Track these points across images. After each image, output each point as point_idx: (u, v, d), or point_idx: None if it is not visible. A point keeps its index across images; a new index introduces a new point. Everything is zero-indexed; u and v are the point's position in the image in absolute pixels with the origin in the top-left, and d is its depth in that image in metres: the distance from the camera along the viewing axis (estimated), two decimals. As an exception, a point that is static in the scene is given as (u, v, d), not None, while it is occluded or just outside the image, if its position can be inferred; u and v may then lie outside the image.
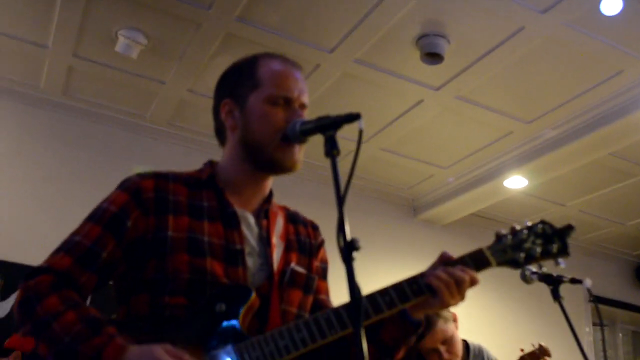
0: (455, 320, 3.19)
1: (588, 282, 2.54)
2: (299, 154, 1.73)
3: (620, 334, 7.76)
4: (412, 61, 4.31)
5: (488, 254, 1.63)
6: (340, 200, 1.38)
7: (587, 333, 7.06)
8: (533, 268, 2.73)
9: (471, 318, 5.63)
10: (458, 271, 1.57)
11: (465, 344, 3.34)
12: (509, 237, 1.65)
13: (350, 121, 1.50)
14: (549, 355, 3.30)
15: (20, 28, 4.34)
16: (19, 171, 4.96)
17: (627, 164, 5.51)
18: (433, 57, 4.10)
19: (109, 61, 4.61)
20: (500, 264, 1.63)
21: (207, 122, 5.84)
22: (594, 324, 7.19)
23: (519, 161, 5.38)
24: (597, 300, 6.81)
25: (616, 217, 6.70)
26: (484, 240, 1.67)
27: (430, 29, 4.00)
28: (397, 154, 5.68)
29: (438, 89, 4.66)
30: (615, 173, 5.68)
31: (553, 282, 2.61)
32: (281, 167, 1.72)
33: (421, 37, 4.06)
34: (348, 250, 1.32)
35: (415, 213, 6.58)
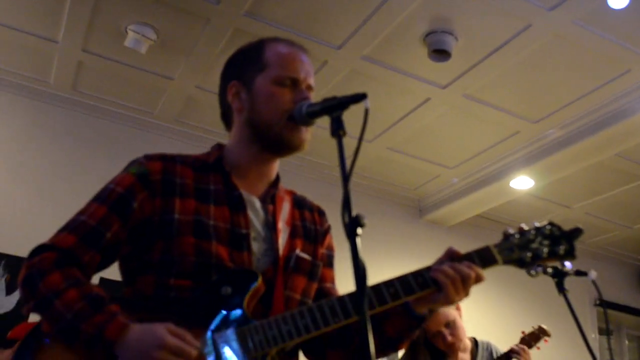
0: (458, 309, 3.25)
1: (593, 274, 2.54)
2: (306, 134, 1.73)
3: (627, 341, 7.71)
4: (419, 58, 4.32)
5: (495, 251, 1.63)
6: (346, 177, 1.38)
7: (592, 339, 6.98)
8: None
9: (475, 315, 5.64)
10: (464, 267, 1.57)
11: (474, 340, 3.38)
12: (517, 236, 1.66)
13: (357, 101, 1.50)
14: (548, 335, 3.38)
15: (31, 22, 4.38)
16: (27, 166, 4.99)
17: (634, 166, 5.50)
18: (440, 54, 4.11)
19: (118, 57, 4.64)
20: (506, 262, 1.64)
21: (215, 119, 5.85)
22: (600, 331, 7.14)
23: (526, 161, 5.38)
24: (603, 304, 6.79)
25: (623, 221, 6.68)
26: (490, 243, 1.67)
27: (438, 25, 4.01)
28: (404, 153, 5.68)
29: (445, 87, 4.67)
30: (622, 175, 5.67)
31: (558, 275, 2.60)
32: (288, 146, 1.72)
33: (429, 34, 4.07)
34: (352, 225, 1.32)
35: (421, 214, 6.58)
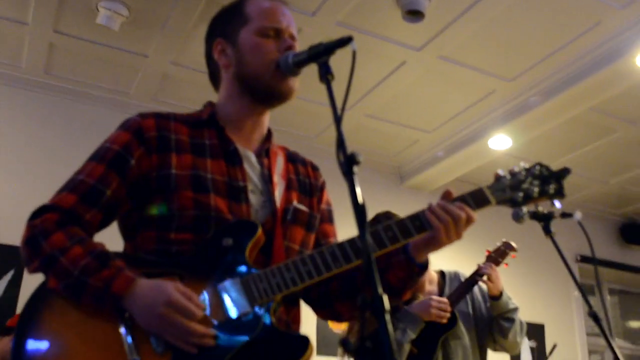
0: None
1: (578, 215, 2.57)
2: (295, 83, 1.76)
3: (608, 296, 7.85)
4: (394, 21, 4.32)
5: (488, 192, 1.69)
6: (338, 119, 1.43)
7: (575, 298, 7.09)
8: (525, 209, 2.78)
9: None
10: (455, 208, 1.62)
11: (441, 272, 3.37)
12: (508, 177, 1.73)
13: (343, 45, 1.55)
14: (514, 249, 3.32)
15: (-1, 5, 4.31)
16: (2, 153, 4.95)
17: (608, 119, 5.56)
18: (414, 15, 4.12)
19: (90, 36, 4.58)
20: (499, 202, 1.70)
21: (192, 95, 5.80)
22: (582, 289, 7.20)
23: (503, 120, 5.42)
24: (585, 259, 6.88)
25: (599, 176, 6.76)
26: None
27: (411, -15, 4.02)
28: (382, 119, 5.70)
29: (420, 49, 4.68)
30: (597, 129, 5.74)
31: (544, 219, 2.64)
32: (277, 94, 1.75)
33: (402, -5, 4.08)
34: (348, 163, 1.35)
35: (402, 180, 6.62)
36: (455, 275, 3.33)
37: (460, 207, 1.63)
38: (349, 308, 1.78)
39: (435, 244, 1.64)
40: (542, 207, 2.64)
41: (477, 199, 1.67)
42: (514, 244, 3.33)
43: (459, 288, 3.21)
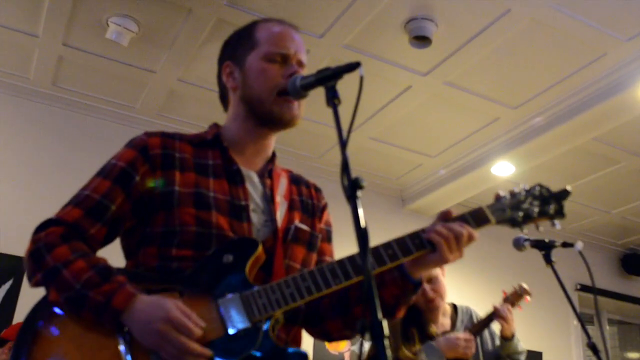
0: (441, 267, 3.24)
1: (579, 245, 2.58)
2: (298, 109, 1.78)
3: (607, 326, 7.81)
4: (400, 46, 4.36)
5: (488, 212, 1.69)
6: (343, 143, 1.43)
7: (574, 326, 7.06)
8: (525, 236, 2.78)
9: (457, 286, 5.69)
10: (457, 226, 1.62)
11: (453, 305, 3.39)
12: (508, 197, 1.73)
13: (350, 70, 1.54)
14: (529, 294, 3.36)
15: (10, 17, 4.34)
16: (7, 163, 4.96)
17: (611, 150, 5.58)
18: (421, 40, 4.15)
19: (99, 50, 4.62)
20: (499, 222, 1.70)
21: (197, 112, 5.81)
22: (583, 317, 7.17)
23: (506, 147, 5.44)
24: (584, 289, 6.85)
25: (601, 206, 6.76)
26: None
27: (419, 12, 4.05)
28: (385, 142, 5.72)
29: (426, 74, 4.71)
30: (600, 159, 5.76)
31: (545, 247, 2.65)
32: (280, 120, 1.76)
33: (410, 21, 4.11)
34: (352, 188, 1.36)
35: (403, 203, 6.62)
36: (467, 311, 3.39)
37: (462, 225, 1.63)
38: (339, 327, 1.78)
39: (436, 261, 1.64)
40: (543, 232, 2.65)
41: (477, 218, 1.68)
42: (529, 289, 3.37)
43: (478, 325, 3.26)
